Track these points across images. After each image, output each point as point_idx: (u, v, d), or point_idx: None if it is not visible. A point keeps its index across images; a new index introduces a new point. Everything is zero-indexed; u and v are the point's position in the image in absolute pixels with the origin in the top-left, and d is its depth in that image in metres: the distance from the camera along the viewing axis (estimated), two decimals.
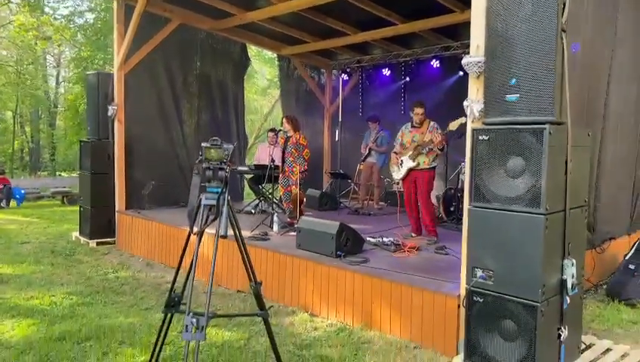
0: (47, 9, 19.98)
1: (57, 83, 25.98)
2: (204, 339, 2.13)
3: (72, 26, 18.73)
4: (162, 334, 2.69)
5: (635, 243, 5.12)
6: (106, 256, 6.91)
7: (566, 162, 3.04)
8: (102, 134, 7.61)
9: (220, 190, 2.27)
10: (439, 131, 5.68)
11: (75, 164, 24.10)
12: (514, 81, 2.99)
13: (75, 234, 7.94)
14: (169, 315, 2.63)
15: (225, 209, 2.21)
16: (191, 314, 2.12)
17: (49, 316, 4.32)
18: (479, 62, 3.26)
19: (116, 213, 7.45)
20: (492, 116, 3.14)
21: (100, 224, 7.44)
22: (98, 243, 7.40)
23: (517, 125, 2.98)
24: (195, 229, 2.36)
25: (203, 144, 2.34)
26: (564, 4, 2.90)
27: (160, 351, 2.89)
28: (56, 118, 24.27)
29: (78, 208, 7.88)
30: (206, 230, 2.45)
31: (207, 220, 2.29)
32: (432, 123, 5.85)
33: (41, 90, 22.33)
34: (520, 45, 2.98)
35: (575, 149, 3.11)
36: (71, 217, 10.23)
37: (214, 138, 2.30)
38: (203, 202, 2.26)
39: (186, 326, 2.14)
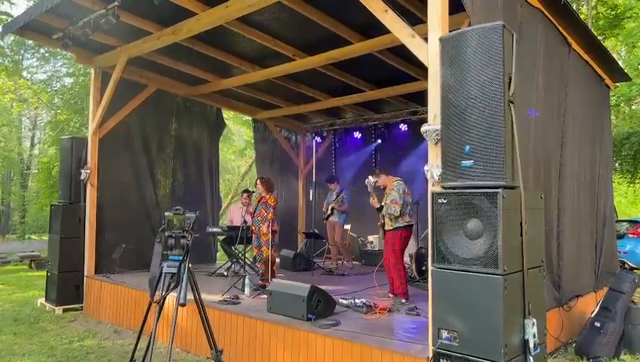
0: (25, 73, 20.23)
1: (32, 145, 25.86)
2: None
3: (49, 89, 18.92)
4: None
5: (599, 301, 5.23)
6: (72, 323, 6.67)
7: (521, 224, 3.19)
8: (74, 197, 7.54)
9: (181, 258, 2.31)
10: (394, 190, 5.83)
11: (46, 227, 23.59)
12: (468, 148, 3.18)
13: (41, 300, 7.67)
14: None
15: (185, 277, 2.25)
16: None
17: None
18: (436, 130, 3.47)
19: (85, 278, 7.27)
20: (450, 180, 3.29)
21: (67, 289, 7.21)
22: (65, 310, 7.14)
23: (473, 189, 3.13)
24: (157, 297, 2.37)
25: (166, 213, 2.40)
26: (510, 79, 3.16)
27: None
28: (28, 179, 23.94)
29: (46, 273, 7.67)
30: (171, 296, 2.45)
31: (168, 288, 2.30)
32: (394, 184, 5.93)
33: (14, 152, 22.12)
34: (472, 115, 3.19)
35: (529, 211, 3.27)
36: (38, 283, 9.91)
37: (177, 207, 2.37)
38: (164, 270, 2.29)
39: None
